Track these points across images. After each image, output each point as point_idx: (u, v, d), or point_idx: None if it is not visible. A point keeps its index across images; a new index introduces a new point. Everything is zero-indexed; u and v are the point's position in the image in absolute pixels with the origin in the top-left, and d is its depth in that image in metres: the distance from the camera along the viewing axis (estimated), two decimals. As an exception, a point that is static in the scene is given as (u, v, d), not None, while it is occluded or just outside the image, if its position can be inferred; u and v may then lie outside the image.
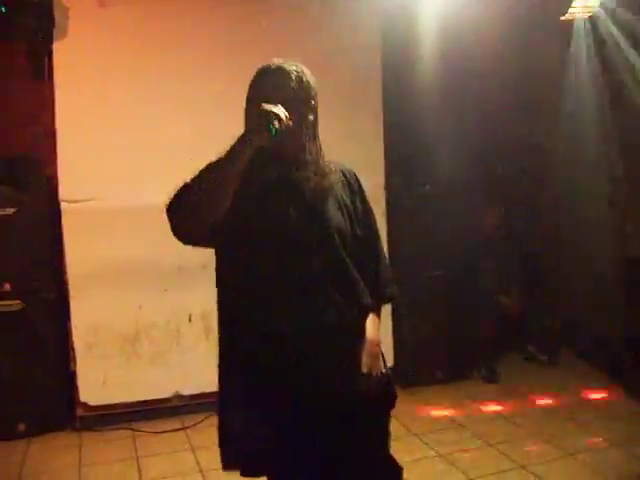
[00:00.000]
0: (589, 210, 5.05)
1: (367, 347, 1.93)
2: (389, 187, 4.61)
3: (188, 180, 1.75)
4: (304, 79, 1.89)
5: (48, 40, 3.89)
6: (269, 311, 1.82)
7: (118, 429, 4.06)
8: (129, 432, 4.03)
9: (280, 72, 1.87)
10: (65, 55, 3.90)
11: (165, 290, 4.18)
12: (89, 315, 4.04)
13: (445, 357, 4.69)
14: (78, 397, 4.04)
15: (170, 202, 1.76)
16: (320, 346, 1.83)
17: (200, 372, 4.27)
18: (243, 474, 1.90)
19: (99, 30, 3.96)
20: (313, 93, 1.91)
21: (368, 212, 2.05)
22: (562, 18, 4.30)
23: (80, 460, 3.68)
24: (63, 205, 3.95)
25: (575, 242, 5.27)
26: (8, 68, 4.13)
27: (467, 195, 4.84)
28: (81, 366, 4.05)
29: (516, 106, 5.16)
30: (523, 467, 3.34)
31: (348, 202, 1.97)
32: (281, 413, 1.81)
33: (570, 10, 4.23)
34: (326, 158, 1.97)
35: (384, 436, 2.03)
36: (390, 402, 2.03)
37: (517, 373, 4.85)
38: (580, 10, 4.21)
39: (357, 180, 2.05)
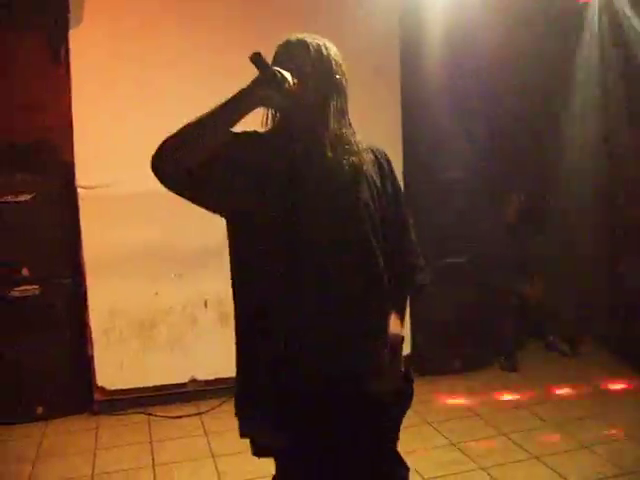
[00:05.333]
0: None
1: (388, 342, 1.84)
2: (408, 177, 4.53)
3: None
4: (325, 53, 1.81)
5: (64, 27, 3.89)
6: (295, 294, 1.74)
7: (134, 413, 4.10)
8: (145, 417, 4.06)
9: (299, 44, 1.81)
10: (81, 42, 3.90)
11: (181, 276, 4.20)
12: (106, 300, 4.07)
13: (464, 346, 4.61)
14: (96, 381, 4.08)
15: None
16: (342, 338, 1.76)
17: (216, 358, 4.29)
18: (255, 454, 1.87)
19: (114, 18, 3.96)
20: (337, 68, 1.82)
21: (399, 194, 1.96)
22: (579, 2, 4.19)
23: (96, 443, 3.72)
24: (80, 191, 3.97)
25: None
26: (26, 55, 4.14)
27: (487, 182, 4.77)
28: (98, 351, 4.09)
29: (530, 95, 5.07)
30: (536, 457, 3.27)
31: (378, 182, 1.88)
32: (304, 402, 1.75)
33: None
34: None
35: (396, 434, 1.97)
36: (407, 401, 1.94)
37: (537, 362, 4.77)
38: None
39: (388, 161, 1.96)
